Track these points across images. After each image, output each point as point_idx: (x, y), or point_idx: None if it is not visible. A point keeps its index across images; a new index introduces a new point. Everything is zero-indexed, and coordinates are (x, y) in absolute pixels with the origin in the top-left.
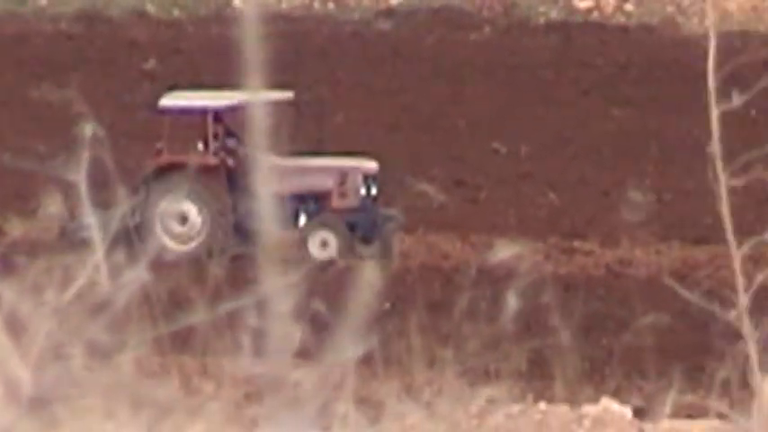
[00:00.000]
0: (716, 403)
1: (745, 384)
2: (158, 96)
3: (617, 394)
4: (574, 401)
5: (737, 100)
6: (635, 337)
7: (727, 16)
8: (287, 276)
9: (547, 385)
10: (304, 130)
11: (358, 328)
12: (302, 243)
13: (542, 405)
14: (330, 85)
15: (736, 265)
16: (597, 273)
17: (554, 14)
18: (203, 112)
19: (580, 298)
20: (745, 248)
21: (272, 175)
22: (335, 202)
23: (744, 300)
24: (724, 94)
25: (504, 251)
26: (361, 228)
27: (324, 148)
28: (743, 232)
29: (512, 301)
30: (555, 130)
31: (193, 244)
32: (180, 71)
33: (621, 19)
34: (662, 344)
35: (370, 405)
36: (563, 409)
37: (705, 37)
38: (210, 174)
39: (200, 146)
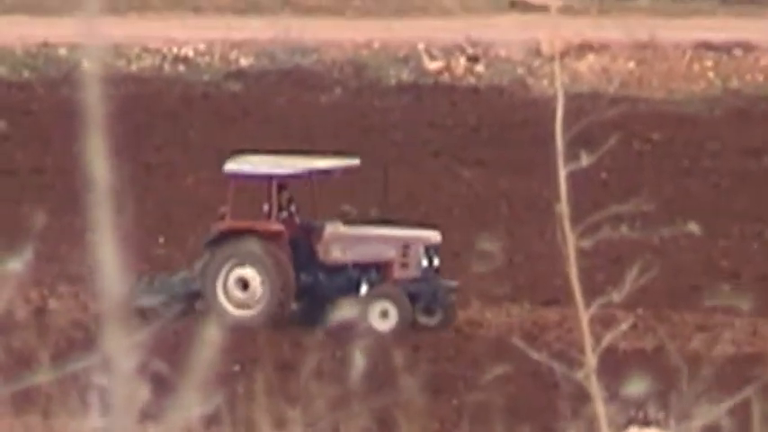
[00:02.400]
0: None
1: None
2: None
3: None
4: None
5: (586, 160)
6: (484, 397)
7: (577, 77)
8: (130, 336)
9: None
10: (153, 191)
11: (202, 386)
12: (363, 313)
13: None
14: (180, 147)
15: (584, 325)
16: (447, 334)
17: (405, 76)
18: (268, 178)
19: (430, 358)
20: (593, 309)
21: (335, 243)
22: (397, 273)
23: (592, 360)
24: (573, 155)
25: (347, 311)
26: (422, 298)
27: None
28: (593, 293)
29: (359, 361)
30: (406, 191)
31: (254, 310)
32: (30, 132)
33: (472, 80)
34: (511, 404)
35: None
36: None
37: (555, 98)
38: (273, 240)
39: (265, 210)
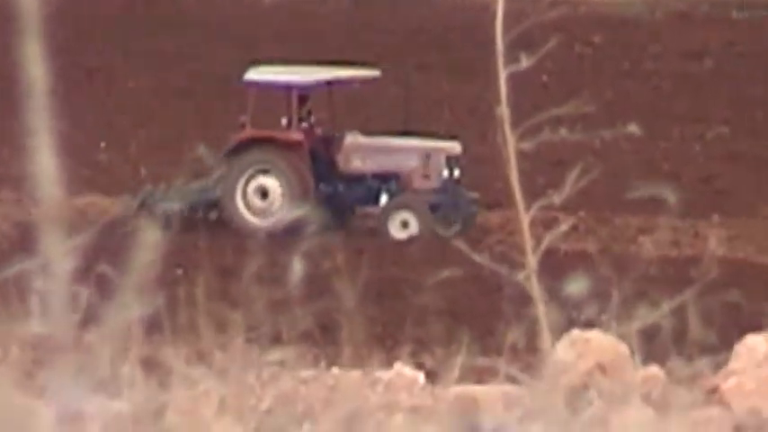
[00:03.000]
0: (505, 366)
1: (535, 347)
2: None
3: (410, 359)
4: (366, 367)
5: (526, 63)
6: (427, 301)
7: None
8: (69, 240)
9: (339, 351)
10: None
11: (143, 289)
12: (383, 222)
13: (335, 370)
14: (121, 51)
15: (525, 227)
16: (389, 238)
17: None
18: (288, 87)
19: (373, 263)
20: (534, 211)
21: (355, 153)
22: (417, 183)
23: (532, 262)
24: (514, 57)
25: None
26: (442, 209)
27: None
28: (534, 195)
29: (298, 266)
30: (349, 94)
31: (273, 219)
32: None
33: None
34: (453, 308)
35: (160, 370)
36: (355, 375)
37: (496, 1)
38: (293, 150)
39: (284, 121)
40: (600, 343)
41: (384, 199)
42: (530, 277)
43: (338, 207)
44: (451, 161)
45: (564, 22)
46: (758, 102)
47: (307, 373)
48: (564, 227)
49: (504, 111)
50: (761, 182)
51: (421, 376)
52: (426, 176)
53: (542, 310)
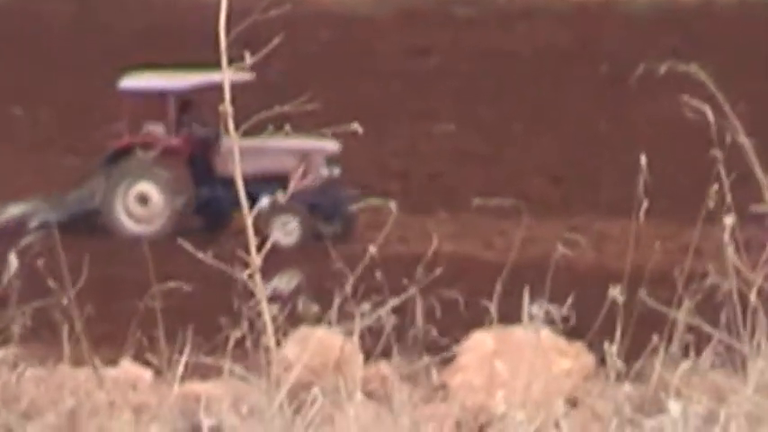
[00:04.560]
0: (231, 364)
1: (261, 345)
2: None
3: (137, 356)
4: (93, 365)
5: (249, 60)
6: (154, 300)
7: None
8: None
9: (65, 349)
10: None
11: None
12: (264, 225)
13: (63, 367)
14: None
15: (249, 225)
16: (117, 237)
17: None
18: (164, 93)
19: (99, 262)
20: (255, 210)
21: (232, 155)
22: (297, 184)
23: (256, 260)
24: (239, 56)
25: (12, 211)
26: (322, 209)
27: None
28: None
29: (14, 262)
30: (76, 95)
31: (154, 225)
32: None
33: None
34: (180, 307)
35: None
36: (84, 372)
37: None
38: (171, 154)
39: (161, 127)
40: (325, 340)
41: (264, 201)
42: (254, 275)
43: (218, 211)
44: (330, 160)
45: (290, 20)
46: (484, 99)
47: (32, 371)
48: (293, 223)
49: (227, 108)
50: (487, 179)
51: (148, 374)
52: (306, 176)
53: (266, 308)
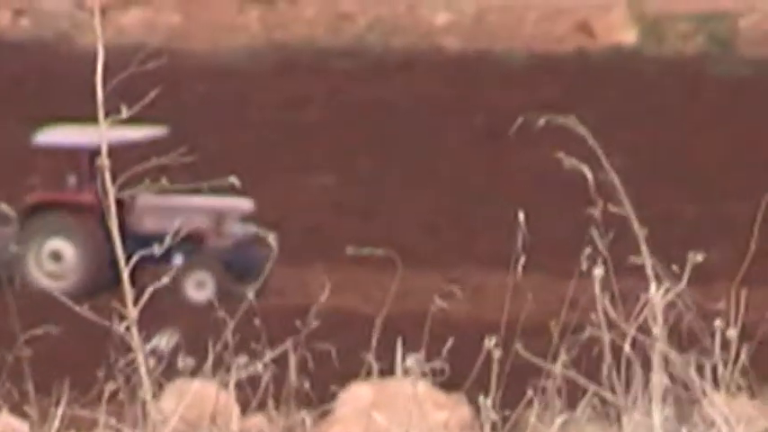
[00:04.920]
0: (105, 416)
1: (137, 397)
2: None
3: (15, 409)
4: None
5: (126, 112)
6: (29, 352)
7: (121, 30)
8: None
9: None
10: None
11: None
12: (179, 283)
13: None
14: None
15: (125, 280)
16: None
17: None
18: (77, 149)
19: None
20: (133, 262)
21: (147, 214)
22: (212, 242)
23: (133, 312)
24: (116, 107)
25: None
26: (237, 267)
27: None
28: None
29: None
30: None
31: (67, 282)
32: None
33: (17, 34)
34: (55, 359)
35: None
36: None
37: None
38: (85, 211)
39: (73, 182)
40: (202, 392)
41: (179, 259)
42: (131, 328)
43: (132, 268)
44: (245, 218)
45: (167, 73)
46: (361, 151)
47: None
48: (165, 279)
49: (104, 161)
50: (364, 231)
51: (26, 426)
52: (220, 234)
53: (143, 361)
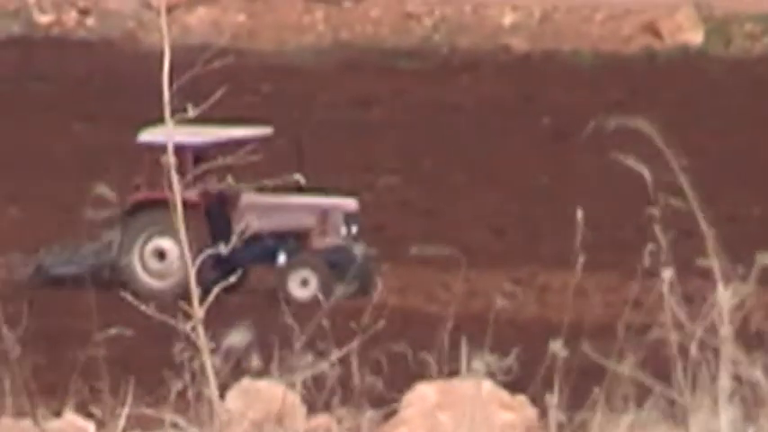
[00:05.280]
0: (171, 415)
1: (203, 397)
2: None
3: (80, 408)
4: (36, 415)
5: (192, 112)
6: (96, 351)
7: (187, 30)
8: None
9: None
10: None
11: None
12: (283, 282)
13: (4, 420)
14: None
15: (192, 275)
16: (61, 288)
17: (15, 29)
18: (183, 148)
19: (41, 312)
20: (200, 259)
21: (251, 212)
22: (316, 241)
23: (199, 312)
24: (183, 107)
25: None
26: (341, 266)
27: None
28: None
29: None
30: (17, 144)
31: (171, 281)
32: None
33: (83, 34)
34: (122, 358)
35: None
36: (25, 424)
37: (162, 50)
38: (189, 210)
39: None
40: (269, 392)
41: (282, 258)
42: (196, 327)
43: (235, 267)
44: (349, 218)
45: (232, 72)
46: (426, 151)
47: None
48: (232, 278)
49: (170, 159)
50: (430, 230)
51: (91, 426)
52: (324, 234)
53: (209, 360)
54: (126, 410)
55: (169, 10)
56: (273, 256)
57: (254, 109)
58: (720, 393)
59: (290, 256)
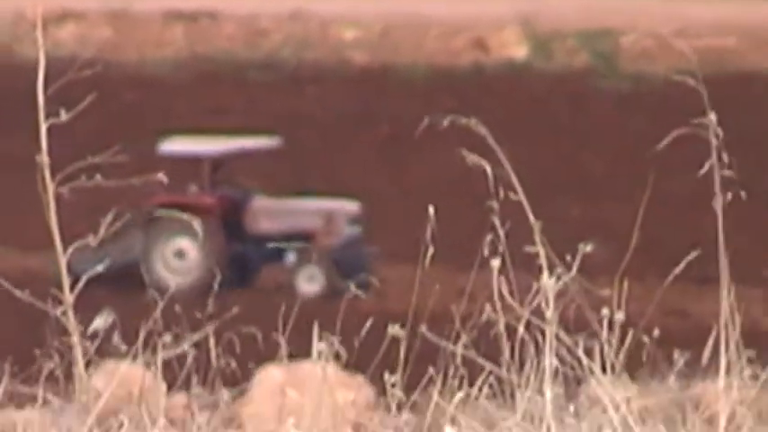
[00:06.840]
0: (43, 393)
1: (72, 376)
2: None
3: None
4: None
5: (65, 116)
6: None
7: (58, 43)
8: None
9: None
10: None
11: None
12: (292, 278)
13: None
14: None
15: (62, 266)
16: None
17: None
18: (200, 156)
19: None
20: (70, 251)
21: (262, 215)
22: (322, 240)
23: (69, 298)
24: (55, 113)
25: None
26: (344, 264)
27: None
28: (73, 238)
29: None
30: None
31: (189, 278)
32: None
33: None
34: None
35: None
36: None
37: (38, 62)
38: (206, 212)
39: (195, 187)
40: (130, 372)
41: (291, 257)
42: (66, 312)
43: (248, 266)
44: (351, 219)
45: (99, 82)
46: (277, 157)
47: None
48: (100, 268)
49: (44, 158)
50: None
51: None
52: (329, 234)
53: (77, 342)
54: (1, 388)
55: (42, 24)
56: (283, 256)
57: (119, 115)
58: (545, 372)
59: (298, 254)
